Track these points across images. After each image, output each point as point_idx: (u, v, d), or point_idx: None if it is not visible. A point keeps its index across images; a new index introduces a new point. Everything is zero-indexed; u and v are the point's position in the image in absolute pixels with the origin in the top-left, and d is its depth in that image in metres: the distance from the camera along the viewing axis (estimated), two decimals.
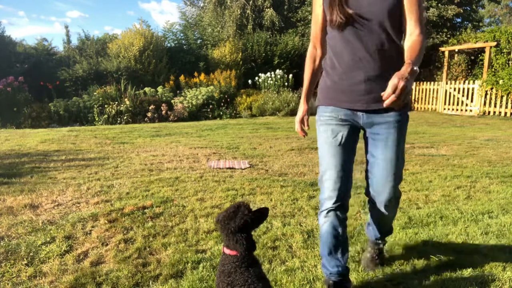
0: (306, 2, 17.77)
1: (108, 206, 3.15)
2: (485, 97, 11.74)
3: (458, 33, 14.37)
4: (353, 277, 2.00)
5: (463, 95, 12.40)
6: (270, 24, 17.69)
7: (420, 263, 2.17)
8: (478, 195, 3.46)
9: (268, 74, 13.09)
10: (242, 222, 1.36)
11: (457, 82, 12.72)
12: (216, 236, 2.55)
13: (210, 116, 11.19)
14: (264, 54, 14.42)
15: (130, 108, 10.36)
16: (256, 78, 13.33)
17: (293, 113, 11.49)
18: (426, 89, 13.69)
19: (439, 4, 14.49)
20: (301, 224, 2.78)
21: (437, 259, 2.21)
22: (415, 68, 1.47)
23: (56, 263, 2.19)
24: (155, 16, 77.88)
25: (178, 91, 12.10)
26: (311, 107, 1.96)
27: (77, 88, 11.61)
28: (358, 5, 1.61)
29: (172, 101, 11.21)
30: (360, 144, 1.87)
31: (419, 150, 5.69)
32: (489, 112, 11.67)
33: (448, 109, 12.94)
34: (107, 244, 2.45)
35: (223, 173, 4.26)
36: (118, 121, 10.23)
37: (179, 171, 4.40)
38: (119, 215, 2.93)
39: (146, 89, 11.51)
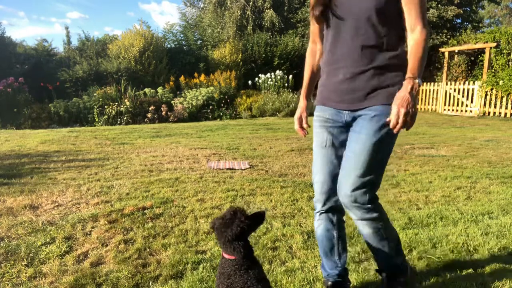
0: (306, 3, 17.79)
1: (108, 207, 3.14)
2: (485, 97, 11.74)
3: (458, 34, 14.38)
4: (353, 278, 2.00)
5: (463, 96, 12.41)
6: (270, 25, 17.71)
7: (420, 263, 2.16)
8: (478, 196, 3.46)
9: (268, 75, 13.10)
10: (238, 230, 1.34)
11: (457, 83, 12.73)
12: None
13: (210, 117, 11.19)
14: (264, 55, 14.43)
15: (130, 109, 10.36)
16: (256, 79, 13.34)
17: (293, 113, 11.46)
18: (426, 90, 13.70)
19: (439, 5, 14.50)
20: (301, 224, 2.77)
21: (437, 259, 2.20)
22: (417, 81, 1.42)
23: (56, 263, 2.19)
24: (155, 17, 77.97)
25: (178, 92, 12.11)
26: (312, 105, 1.91)
27: (77, 89, 11.62)
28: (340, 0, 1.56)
29: (172, 102, 11.22)
30: None
31: (419, 150, 5.68)
32: (489, 113, 11.68)
33: (448, 109, 12.95)
34: (107, 245, 2.45)
35: (223, 174, 4.26)
36: (118, 122, 10.24)
37: (179, 171, 4.40)
38: (119, 215, 2.93)
39: (146, 90, 11.52)
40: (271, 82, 12.87)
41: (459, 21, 15.97)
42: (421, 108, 13.97)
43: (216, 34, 16.46)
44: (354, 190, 1.56)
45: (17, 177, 4.09)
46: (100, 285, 1.98)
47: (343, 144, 1.68)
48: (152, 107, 10.45)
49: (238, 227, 1.34)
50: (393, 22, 1.52)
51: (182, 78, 12.54)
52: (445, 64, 13.42)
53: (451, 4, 14.65)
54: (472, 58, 13.64)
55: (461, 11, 14.82)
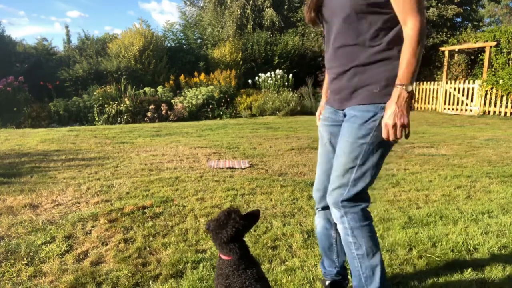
0: (305, 2, 17.76)
1: (108, 206, 3.15)
2: (485, 96, 11.74)
3: (458, 32, 14.37)
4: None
5: (463, 95, 12.40)
6: (270, 24, 17.69)
7: (420, 262, 2.17)
8: (478, 195, 3.46)
9: (268, 74, 13.09)
10: (233, 231, 1.35)
11: (457, 81, 12.72)
12: None
13: (210, 116, 11.19)
14: (264, 54, 14.42)
15: (130, 108, 10.36)
16: (256, 78, 13.33)
17: (293, 112, 11.50)
18: (426, 89, 13.69)
19: (439, 4, 14.49)
20: (301, 223, 2.78)
21: (437, 258, 2.21)
22: (404, 89, 1.34)
23: (56, 262, 2.19)
24: (155, 16, 77.89)
25: (178, 91, 12.11)
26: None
27: (77, 88, 11.61)
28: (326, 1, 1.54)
29: (172, 101, 11.21)
30: None
31: (419, 149, 5.69)
32: (489, 112, 11.67)
33: (448, 108, 12.94)
34: (107, 244, 2.45)
35: (223, 173, 4.26)
36: (118, 121, 10.23)
37: (179, 171, 4.40)
38: (119, 214, 2.93)
39: (146, 89, 11.51)
40: (271, 81, 12.86)
41: (459, 20, 15.97)
42: (421, 107, 13.97)
43: (216, 33, 16.45)
44: (333, 189, 1.56)
45: (17, 176, 4.09)
46: (100, 284, 1.98)
47: None
48: (152, 106, 10.45)
49: (233, 228, 1.35)
50: (375, 15, 1.42)
51: (182, 77, 12.53)
52: (445, 63, 13.41)
53: (451, 3, 14.64)
54: (472, 57, 13.63)
55: (461, 10, 14.81)
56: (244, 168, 4.50)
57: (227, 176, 4.10)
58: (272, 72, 13.09)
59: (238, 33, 16.98)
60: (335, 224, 1.77)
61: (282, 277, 2.01)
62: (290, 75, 13.18)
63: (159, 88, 11.65)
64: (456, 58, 13.80)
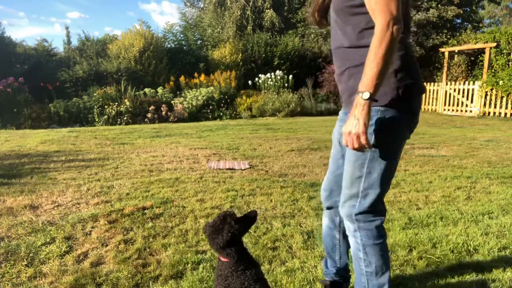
0: (306, 3, 17.79)
1: (108, 207, 3.14)
2: (485, 98, 11.74)
3: (458, 34, 14.39)
4: (354, 277, 2.00)
5: (463, 96, 12.41)
6: (270, 25, 17.71)
7: (420, 263, 2.16)
8: (478, 196, 3.46)
9: (268, 75, 13.10)
10: (229, 236, 1.35)
11: (457, 83, 12.73)
12: None
13: (210, 117, 11.19)
14: (264, 55, 14.43)
15: (130, 109, 10.36)
16: (256, 79, 13.34)
17: (293, 114, 11.50)
18: (426, 90, 13.68)
19: (439, 5, 14.51)
20: (301, 224, 2.77)
21: (437, 259, 2.20)
22: (361, 96, 1.26)
23: (56, 263, 2.19)
24: (155, 17, 77.96)
25: (178, 92, 12.11)
26: None
27: (77, 89, 11.62)
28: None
29: (172, 102, 11.22)
30: None
31: (419, 151, 5.68)
32: (489, 113, 11.68)
33: (448, 110, 12.95)
34: (107, 245, 2.45)
35: (223, 174, 4.26)
36: (118, 122, 10.24)
37: (179, 172, 4.40)
38: (119, 215, 2.93)
39: (146, 90, 11.52)
40: (271, 82, 12.87)
41: (459, 21, 15.99)
42: (421, 108, 13.96)
43: (216, 34, 16.46)
44: (344, 202, 1.53)
45: (17, 177, 4.09)
46: (100, 285, 1.98)
47: None
48: (152, 107, 10.45)
49: (229, 233, 1.35)
50: (359, 16, 1.37)
51: (182, 78, 12.54)
52: (445, 64, 13.42)
53: (451, 4, 14.65)
54: (472, 58, 13.64)
55: (461, 11, 14.83)
56: (244, 169, 4.50)
57: (227, 177, 4.10)
58: (272, 73, 13.10)
59: (238, 34, 16.99)
60: (339, 225, 1.77)
61: (282, 278, 2.00)
62: (290, 76, 13.19)
63: (159, 89, 11.65)
64: (456, 59, 13.82)
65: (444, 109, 13.09)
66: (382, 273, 1.52)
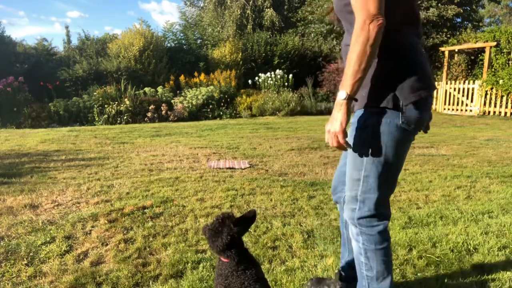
0: (306, 2, 17.77)
1: (108, 206, 3.15)
2: (485, 97, 11.74)
3: (458, 33, 14.37)
4: None
5: (463, 95, 12.40)
6: (270, 24, 17.70)
7: (420, 262, 2.17)
8: (478, 195, 3.46)
9: (268, 74, 13.09)
10: (228, 239, 1.35)
11: (457, 82, 12.72)
12: None
13: (210, 116, 11.19)
14: (264, 54, 14.43)
15: (130, 108, 10.36)
16: (256, 78, 13.34)
17: (293, 113, 11.50)
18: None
19: (439, 4, 14.49)
20: (301, 224, 2.78)
21: (437, 258, 2.21)
22: (338, 94, 1.27)
23: (56, 263, 2.19)
24: (155, 16, 77.92)
25: (178, 91, 12.11)
26: None
27: (77, 88, 11.62)
28: None
29: (172, 101, 11.21)
30: None
31: (419, 150, 5.68)
32: (489, 112, 11.67)
33: (448, 109, 12.95)
34: (107, 244, 2.45)
35: (223, 173, 4.26)
36: (118, 121, 10.24)
37: (179, 171, 4.40)
38: (119, 215, 2.93)
39: (146, 89, 11.52)
40: (271, 81, 12.87)
41: (459, 20, 15.96)
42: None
43: (216, 33, 16.47)
44: (346, 204, 1.52)
45: (17, 176, 4.09)
46: (100, 284, 1.98)
47: None
48: (152, 106, 10.45)
49: (228, 235, 1.35)
50: (353, 15, 1.31)
51: (182, 77, 12.53)
52: (445, 63, 13.41)
53: (451, 3, 14.63)
54: (472, 57, 13.63)
55: (461, 10, 14.80)
56: (244, 168, 4.50)
57: (227, 176, 4.10)
58: (272, 72, 13.09)
59: (238, 33, 16.99)
60: (346, 221, 1.77)
61: (282, 277, 2.00)
62: (290, 75, 13.19)
63: (159, 88, 11.65)
64: (456, 58, 13.81)
65: (444, 108, 13.09)
66: (383, 278, 1.50)
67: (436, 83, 13.47)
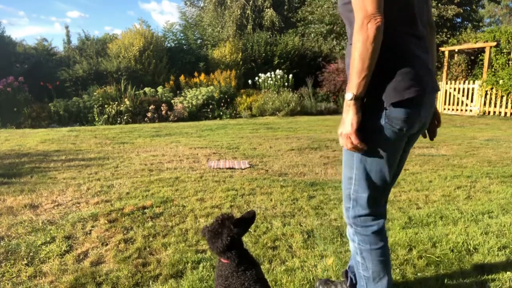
0: (306, 2, 17.78)
1: (108, 206, 3.15)
2: (485, 97, 11.74)
3: (458, 33, 14.37)
4: None
5: (463, 95, 12.40)
6: (270, 24, 17.72)
7: (420, 262, 2.17)
8: (478, 195, 3.46)
9: (268, 74, 13.09)
10: (228, 240, 1.35)
11: (457, 82, 12.72)
12: None
13: (210, 116, 11.19)
14: (264, 54, 14.43)
15: (130, 108, 10.36)
16: (256, 78, 13.34)
17: (293, 113, 11.50)
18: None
19: (439, 4, 14.49)
20: (301, 224, 2.78)
21: (437, 258, 2.21)
22: (346, 96, 1.27)
23: (56, 263, 2.19)
24: (155, 17, 77.95)
25: (178, 91, 12.11)
26: None
27: (77, 88, 11.61)
28: None
29: (172, 101, 11.21)
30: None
31: (419, 150, 5.68)
32: (489, 112, 11.67)
33: (448, 109, 12.94)
34: (107, 244, 2.45)
35: (223, 173, 4.26)
36: (118, 121, 10.23)
37: (179, 171, 4.40)
38: (119, 215, 2.93)
39: (146, 89, 11.52)
40: (271, 82, 12.87)
41: (459, 20, 15.96)
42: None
43: (216, 33, 16.47)
44: (343, 203, 1.54)
45: (17, 177, 4.09)
46: (100, 284, 1.99)
47: None
48: (152, 107, 10.45)
49: (228, 237, 1.35)
50: (352, 13, 1.31)
51: (182, 78, 12.53)
52: (445, 63, 13.41)
53: (451, 3, 14.63)
54: (472, 57, 13.63)
55: (461, 10, 14.80)
56: (244, 169, 4.50)
57: (227, 177, 4.10)
58: (272, 73, 13.09)
59: (238, 33, 17.00)
60: None
61: (282, 277, 2.00)
62: (290, 76, 13.18)
63: (159, 89, 11.65)
64: (456, 58, 13.80)
65: (444, 109, 13.09)
66: (379, 279, 1.50)
67: None
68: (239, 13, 17.80)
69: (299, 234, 2.56)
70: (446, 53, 13.34)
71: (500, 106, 11.35)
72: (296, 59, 14.57)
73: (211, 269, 2.10)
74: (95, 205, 3.19)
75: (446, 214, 2.95)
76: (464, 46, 12.90)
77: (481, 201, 3.27)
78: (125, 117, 10.21)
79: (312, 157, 5.14)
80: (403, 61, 1.32)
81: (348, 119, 1.27)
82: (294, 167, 4.55)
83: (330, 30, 15.64)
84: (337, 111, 12.14)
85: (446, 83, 13.00)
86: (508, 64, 11.78)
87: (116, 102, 10.46)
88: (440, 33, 14.33)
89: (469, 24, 15.86)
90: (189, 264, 2.16)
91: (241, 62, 13.84)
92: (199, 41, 15.38)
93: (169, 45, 14.57)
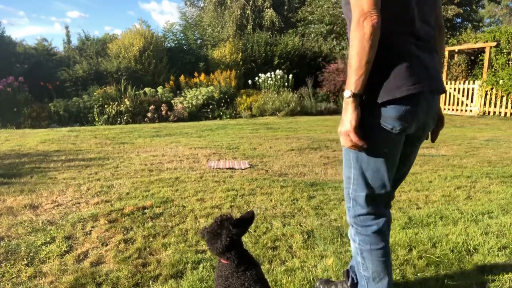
0: (306, 2, 17.79)
1: (108, 207, 3.15)
2: (485, 97, 11.74)
3: (458, 33, 14.38)
4: None
5: (463, 95, 12.40)
6: (270, 24, 17.72)
7: (420, 263, 2.17)
8: (478, 195, 3.46)
9: (268, 74, 13.09)
10: (228, 241, 1.35)
11: (457, 82, 12.72)
12: None
13: (210, 116, 11.19)
14: (264, 54, 14.43)
15: (130, 108, 10.36)
16: (256, 78, 13.33)
17: (293, 113, 11.50)
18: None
19: None
20: (301, 224, 2.77)
21: (437, 258, 2.21)
22: (344, 94, 1.28)
23: (56, 263, 2.19)
24: (155, 17, 77.98)
25: (178, 92, 12.11)
26: None
27: (77, 88, 11.61)
28: None
29: (172, 101, 11.21)
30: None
31: (419, 150, 5.68)
32: (489, 112, 11.67)
33: (448, 109, 12.95)
34: (107, 244, 2.45)
35: (223, 174, 4.26)
36: (118, 121, 10.23)
37: (179, 171, 4.40)
38: (119, 215, 2.93)
39: (146, 89, 11.52)
40: (271, 82, 12.86)
41: (459, 20, 15.99)
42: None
43: (216, 33, 16.47)
44: (345, 203, 1.55)
45: (17, 177, 4.09)
46: (100, 284, 1.98)
47: None
48: (152, 107, 10.45)
49: (227, 237, 1.34)
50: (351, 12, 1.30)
51: (182, 78, 12.53)
52: (445, 64, 13.41)
53: (451, 3, 14.65)
54: (472, 58, 13.63)
55: (461, 11, 14.82)
56: (244, 169, 4.50)
57: (227, 177, 4.10)
58: (272, 73, 13.09)
59: (238, 33, 17.01)
60: None
61: (282, 278, 2.00)
62: (290, 76, 13.18)
63: (159, 89, 11.65)
64: (456, 58, 13.81)
65: (444, 109, 13.09)
66: (379, 279, 1.49)
67: None
68: (239, 13, 17.81)
69: (299, 235, 2.56)
70: (446, 53, 13.34)
71: (500, 106, 11.36)
72: (296, 59, 14.57)
73: (211, 270, 2.10)
74: (95, 205, 3.19)
75: (446, 214, 2.95)
76: (464, 46, 12.91)
77: (481, 201, 3.27)
78: (125, 117, 10.21)
79: (312, 157, 5.14)
80: (398, 59, 1.32)
81: (347, 117, 1.28)
82: (294, 167, 4.55)
83: (330, 30, 15.65)
84: (337, 111, 12.14)
85: (446, 83, 12.99)
86: (508, 64, 11.78)
87: (116, 102, 10.45)
88: None
89: (469, 24, 15.88)
90: (189, 264, 2.16)
91: (241, 62, 13.84)
92: (199, 41, 15.39)
93: (169, 45, 14.57)
